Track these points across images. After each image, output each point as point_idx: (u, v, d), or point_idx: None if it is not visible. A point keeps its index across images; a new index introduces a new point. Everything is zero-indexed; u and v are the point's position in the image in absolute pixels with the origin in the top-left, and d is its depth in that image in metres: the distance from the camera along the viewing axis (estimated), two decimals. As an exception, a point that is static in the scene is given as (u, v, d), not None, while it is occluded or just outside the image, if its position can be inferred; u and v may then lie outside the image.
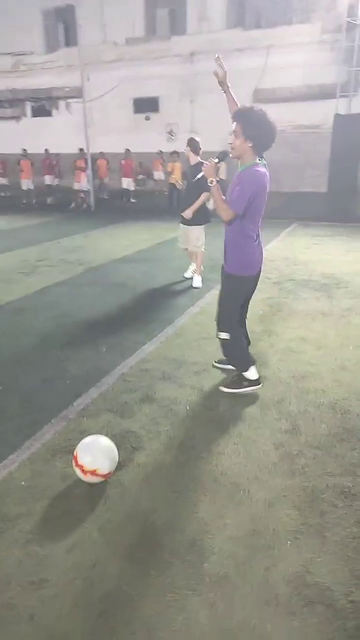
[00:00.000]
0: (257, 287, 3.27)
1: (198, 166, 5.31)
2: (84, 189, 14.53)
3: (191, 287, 5.86)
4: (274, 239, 9.36)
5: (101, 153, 15.08)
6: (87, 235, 9.81)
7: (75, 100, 21.84)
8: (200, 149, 5.70)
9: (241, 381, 3.34)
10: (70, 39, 23.04)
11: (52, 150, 18.32)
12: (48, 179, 16.24)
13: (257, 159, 2.93)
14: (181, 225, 6.04)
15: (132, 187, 15.71)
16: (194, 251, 6.01)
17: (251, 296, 3.31)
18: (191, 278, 6.11)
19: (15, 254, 8.05)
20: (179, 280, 6.23)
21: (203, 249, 5.97)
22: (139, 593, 1.80)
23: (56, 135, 23.07)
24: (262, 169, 2.91)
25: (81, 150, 14.71)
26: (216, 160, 2.96)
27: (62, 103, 23.98)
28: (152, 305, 5.22)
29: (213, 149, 16.36)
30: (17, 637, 1.64)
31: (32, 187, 15.40)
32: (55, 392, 3.32)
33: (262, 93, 20.54)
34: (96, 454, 2.34)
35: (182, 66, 21.71)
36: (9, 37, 25.22)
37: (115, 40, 22.85)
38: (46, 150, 16.53)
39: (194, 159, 5.66)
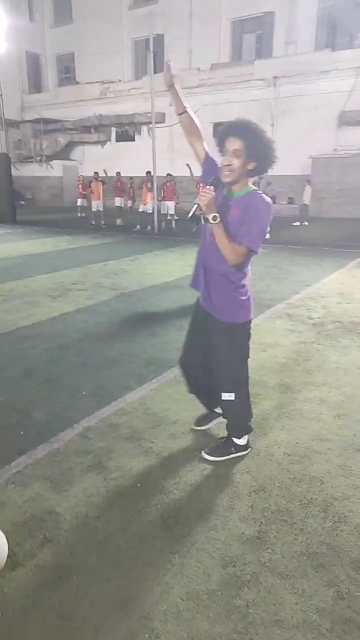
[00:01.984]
0: (291, 328, 2.66)
1: None
2: (149, 211, 14.47)
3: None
4: (336, 270, 8.46)
5: (169, 175, 15.01)
6: (135, 259, 9.55)
7: (156, 125, 22.22)
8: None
9: (229, 447, 2.76)
10: (158, 66, 23.63)
11: (131, 174, 18.71)
12: (118, 201, 16.47)
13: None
14: None
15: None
16: None
17: None
18: None
19: (56, 275, 7.95)
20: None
21: None
22: None
23: (137, 159, 23.66)
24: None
25: (148, 173, 14.69)
26: (212, 188, 2.25)
27: (144, 128, 24.59)
28: (165, 341, 4.68)
29: (293, 173, 15.81)
30: None
31: (101, 208, 15.67)
32: (1, 445, 2.88)
33: (349, 115, 19.51)
34: (-29, 551, 1.83)
35: (264, 90, 21.32)
36: (100, 66, 26.65)
37: (199, 66, 23.09)
38: (117, 173, 16.81)
39: None
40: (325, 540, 2.13)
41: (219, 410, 2.89)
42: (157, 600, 1.83)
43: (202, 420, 3.09)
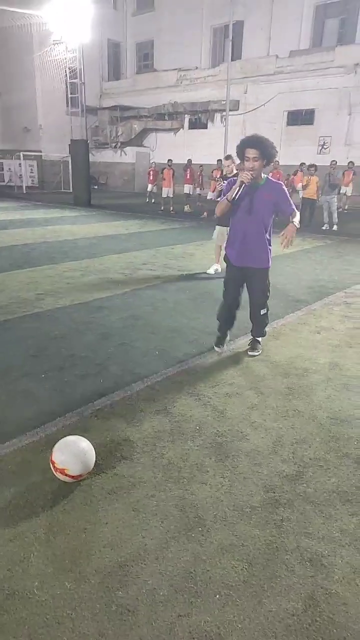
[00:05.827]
0: (348, 315, 3.52)
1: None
2: (216, 199, 14.80)
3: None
4: None
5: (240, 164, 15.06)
6: (201, 244, 9.98)
7: (230, 113, 22.29)
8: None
9: (259, 345, 4.26)
10: (235, 54, 23.59)
11: (202, 162, 19.04)
12: (187, 188, 16.93)
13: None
14: (218, 227, 6.92)
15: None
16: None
17: None
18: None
19: (127, 255, 8.57)
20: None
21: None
22: (53, 596, 1.80)
23: (207, 146, 23.91)
24: None
25: (219, 161, 14.99)
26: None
27: (217, 115, 24.76)
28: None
29: None
30: None
31: (171, 195, 16.20)
32: (85, 388, 3.47)
33: None
34: (69, 454, 2.39)
35: (344, 78, 20.74)
36: (177, 54, 26.98)
37: (277, 53, 22.82)
38: (188, 160, 17.23)
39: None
40: (356, 484, 2.50)
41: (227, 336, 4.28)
42: (209, 507, 2.30)
43: (220, 342, 4.24)
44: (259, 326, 4.19)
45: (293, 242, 3.62)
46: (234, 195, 3.61)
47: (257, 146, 3.48)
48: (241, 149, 3.53)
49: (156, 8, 28.69)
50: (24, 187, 24.24)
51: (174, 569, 1.95)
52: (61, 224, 12.78)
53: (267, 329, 4.31)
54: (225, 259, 4.04)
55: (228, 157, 6.87)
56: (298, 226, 3.65)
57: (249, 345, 4.27)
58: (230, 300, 4.07)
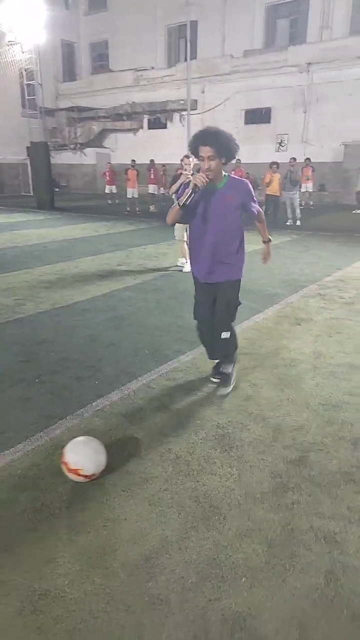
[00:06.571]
0: (324, 306, 3.37)
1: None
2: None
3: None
4: (366, 256, 8.77)
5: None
6: (173, 243, 10.03)
7: (190, 113, 22.45)
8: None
9: (231, 376, 3.53)
10: (191, 54, 23.77)
11: (163, 161, 19.13)
12: (151, 188, 16.98)
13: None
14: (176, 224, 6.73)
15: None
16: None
17: None
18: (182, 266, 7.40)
19: (101, 257, 8.55)
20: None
21: None
22: (85, 592, 1.83)
23: (168, 146, 23.99)
24: None
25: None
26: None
27: (176, 115, 24.89)
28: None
29: (325, 160, 16.08)
30: None
31: (136, 195, 16.20)
32: (82, 390, 3.48)
33: (382, 101, 19.36)
34: (82, 454, 2.41)
35: (297, 76, 21.28)
36: (133, 54, 26.94)
37: (232, 53, 23.18)
38: (151, 160, 17.30)
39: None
40: (355, 464, 2.64)
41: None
42: (221, 496, 2.38)
43: (215, 372, 3.64)
44: (222, 353, 3.50)
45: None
46: (184, 201, 2.94)
47: (210, 142, 2.88)
48: (194, 146, 2.95)
49: (109, 8, 28.54)
50: (-17, 192, 23.62)
51: (198, 556, 2.02)
52: (28, 227, 12.57)
53: (235, 356, 3.56)
54: (193, 276, 3.51)
55: (187, 157, 6.82)
56: (271, 240, 3.49)
57: (216, 378, 3.58)
58: (206, 317, 3.44)
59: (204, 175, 2.90)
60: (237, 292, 3.36)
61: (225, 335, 3.33)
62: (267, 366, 3.94)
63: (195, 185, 2.89)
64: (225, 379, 3.50)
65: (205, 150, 2.89)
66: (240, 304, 3.41)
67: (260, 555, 2.03)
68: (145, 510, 2.29)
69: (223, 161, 2.97)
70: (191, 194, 2.93)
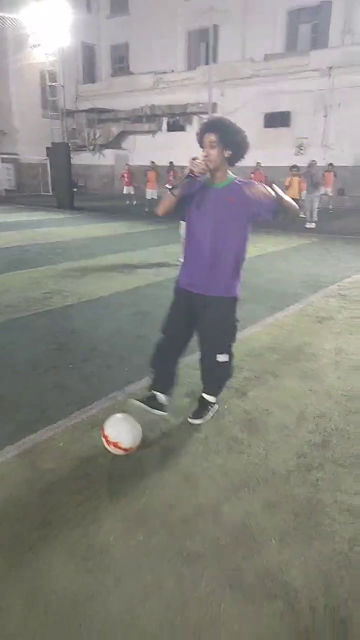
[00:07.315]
0: (344, 306, 3.35)
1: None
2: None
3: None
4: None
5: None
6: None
7: (208, 116, 22.64)
8: None
9: (208, 408, 3.11)
10: (211, 57, 24.00)
11: (182, 164, 19.34)
12: (171, 190, 17.18)
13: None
14: (182, 222, 6.48)
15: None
16: None
17: None
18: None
19: (122, 255, 8.78)
20: (257, 290, 6.28)
21: None
22: (129, 547, 2.02)
23: (186, 149, 24.22)
24: None
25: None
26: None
27: (195, 118, 25.13)
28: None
29: (346, 164, 16.19)
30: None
31: (155, 196, 16.43)
32: (113, 377, 3.68)
33: None
34: (120, 428, 2.61)
35: (318, 81, 21.37)
36: (153, 57, 27.25)
37: (252, 57, 23.36)
38: (170, 162, 17.51)
39: None
40: (375, 448, 2.80)
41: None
42: (250, 472, 2.56)
43: (150, 402, 3.01)
44: (211, 381, 3.06)
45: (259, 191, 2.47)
46: (175, 185, 2.63)
47: (215, 130, 2.57)
48: (200, 137, 2.62)
49: (130, 12, 28.92)
50: (3, 190, 24.09)
51: (231, 521, 2.20)
52: (49, 226, 12.87)
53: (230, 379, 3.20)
54: (177, 281, 3.10)
55: (194, 159, 6.99)
56: (274, 194, 2.45)
57: (191, 417, 3.07)
58: (178, 332, 3.02)
59: (201, 162, 2.51)
60: (233, 312, 2.87)
61: (222, 358, 2.88)
62: (290, 360, 4.10)
63: (191, 170, 2.52)
64: (203, 408, 3.07)
65: (209, 137, 2.56)
66: (238, 321, 2.94)
67: (288, 523, 2.20)
68: (180, 481, 2.48)
69: (228, 155, 2.58)
70: (185, 179, 2.58)
